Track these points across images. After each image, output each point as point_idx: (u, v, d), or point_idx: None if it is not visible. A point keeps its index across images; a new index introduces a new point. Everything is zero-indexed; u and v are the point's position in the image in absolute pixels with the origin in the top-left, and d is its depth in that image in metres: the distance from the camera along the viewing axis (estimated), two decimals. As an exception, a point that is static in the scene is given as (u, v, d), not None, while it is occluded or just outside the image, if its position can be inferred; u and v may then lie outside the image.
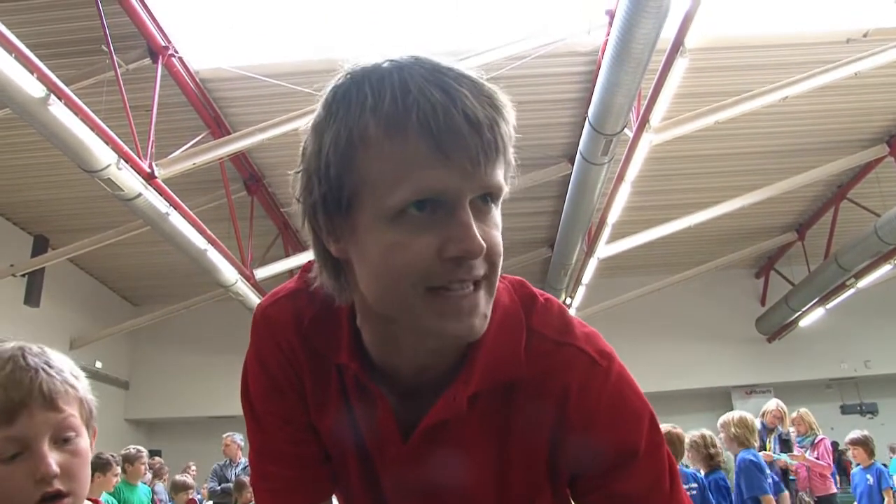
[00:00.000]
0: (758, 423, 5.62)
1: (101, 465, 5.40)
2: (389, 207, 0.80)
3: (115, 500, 5.86)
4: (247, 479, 6.66)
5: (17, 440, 1.07)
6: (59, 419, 1.11)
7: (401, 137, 0.78)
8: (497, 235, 0.84)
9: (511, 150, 0.83)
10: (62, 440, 1.11)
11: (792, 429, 7.62)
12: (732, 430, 5.13)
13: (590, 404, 0.94)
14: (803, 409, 8.14)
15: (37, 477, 1.07)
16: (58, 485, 1.09)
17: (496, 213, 0.85)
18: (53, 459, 1.09)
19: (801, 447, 7.80)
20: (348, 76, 0.84)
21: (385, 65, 0.82)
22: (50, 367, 1.14)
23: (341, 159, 0.81)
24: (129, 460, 6.28)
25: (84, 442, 1.14)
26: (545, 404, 0.95)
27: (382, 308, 0.87)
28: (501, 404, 0.97)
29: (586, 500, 1.01)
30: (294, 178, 0.90)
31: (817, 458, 7.27)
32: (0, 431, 1.07)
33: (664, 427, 4.78)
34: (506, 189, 0.84)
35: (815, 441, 7.64)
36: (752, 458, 5.01)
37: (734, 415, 5.30)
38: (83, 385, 1.17)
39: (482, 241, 0.80)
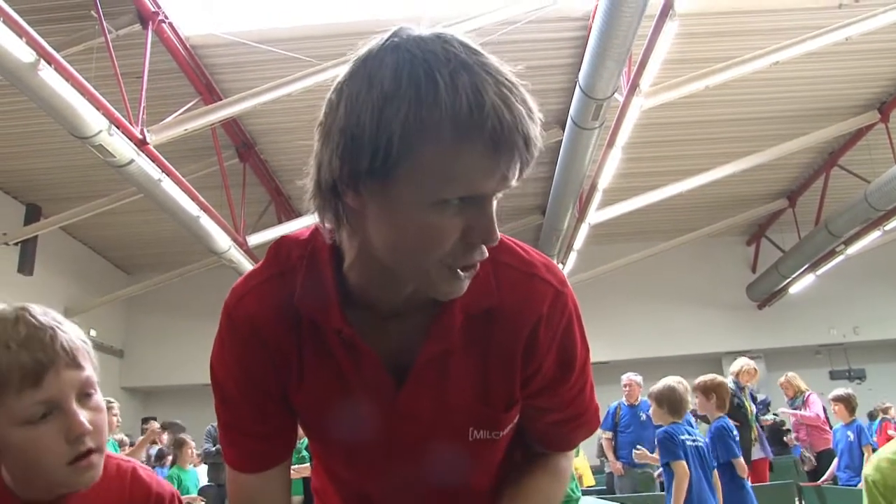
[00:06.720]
0: (730, 383, 5.72)
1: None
2: (437, 197, 0.88)
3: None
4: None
5: (46, 402, 1.06)
6: (82, 377, 1.10)
7: (469, 146, 0.85)
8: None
9: None
10: (84, 396, 1.11)
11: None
12: (715, 399, 5.20)
13: (555, 327, 1.11)
14: (790, 374, 8.29)
15: (71, 437, 1.07)
16: (89, 443, 1.08)
17: None
18: (84, 417, 1.08)
19: (795, 409, 8.01)
20: (408, 53, 0.86)
21: (440, 52, 0.86)
22: (61, 324, 1.13)
23: (402, 140, 0.85)
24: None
25: (101, 397, 1.14)
26: (520, 329, 1.09)
27: (394, 264, 0.96)
28: (481, 332, 1.08)
29: (531, 403, 1.17)
30: (325, 118, 0.93)
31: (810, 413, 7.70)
32: (28, 395, 1.05)
33: (674, 380, 4.98)
34: None
35: (805, 399, 7.94)
36: (727, 425, 5.15)
37: (713, 379, 5.33)
38: (89, 342, 1.17)
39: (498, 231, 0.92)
